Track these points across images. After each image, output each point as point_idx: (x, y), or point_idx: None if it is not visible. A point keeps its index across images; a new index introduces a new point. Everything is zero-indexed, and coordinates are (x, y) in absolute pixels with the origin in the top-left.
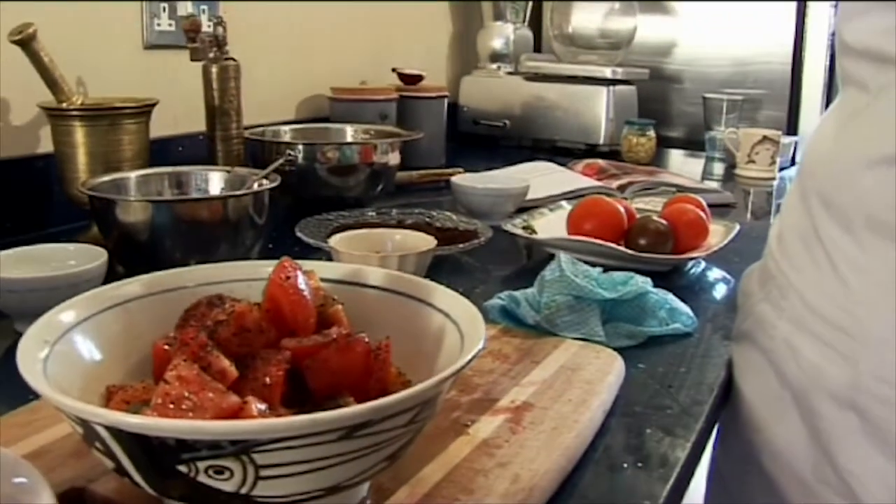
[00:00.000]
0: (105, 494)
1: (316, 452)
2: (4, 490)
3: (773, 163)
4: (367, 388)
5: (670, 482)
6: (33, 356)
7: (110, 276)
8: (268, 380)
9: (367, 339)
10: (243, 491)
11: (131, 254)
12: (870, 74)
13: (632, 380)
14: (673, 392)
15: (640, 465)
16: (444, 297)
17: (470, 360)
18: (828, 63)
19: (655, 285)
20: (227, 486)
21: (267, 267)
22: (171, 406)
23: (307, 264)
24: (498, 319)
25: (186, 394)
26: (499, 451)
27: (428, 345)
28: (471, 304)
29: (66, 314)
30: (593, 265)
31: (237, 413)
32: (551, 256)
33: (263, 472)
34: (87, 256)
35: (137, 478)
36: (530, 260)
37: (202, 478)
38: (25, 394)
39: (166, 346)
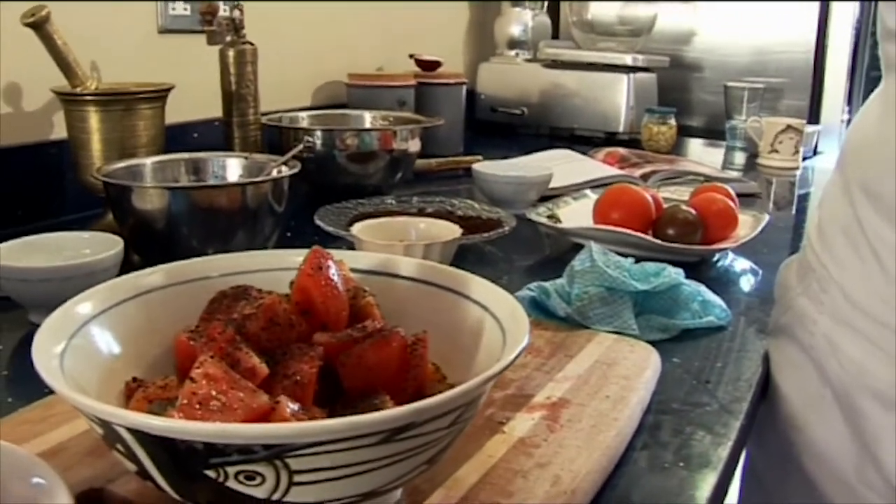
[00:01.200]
0: (125, 496)
1: (355, 457)
2: (21, 491)
3: (797, 152)
4: (404, 385)
5: (714, 483)
6: (49, 351)
7: (125, 264)
8: (299, 377)
9: (403, 334)
10: (275, 497)
11: (147, 242)
12: None
13: (667, 375)
14: (711, 388)
15: (681, 464)
16: (481, 288)
17: (517, 356)
18: (851, 51)
19: (685, 276)
20: (258, 493)
21: (295, 256)
22: (198, 406)
23: (335, 254)
24: (528, 311)
25: (214, 393)
26: (537, 451)
27: (465, 339)
28: (510, 297)
29: (83, 306)
30: (621, 255)
31: (268, 414)
32: (574, 246)
33: (298, 478)
34: (102, 245)
35: (161, 482)
36: (552, 250)
37: (231, 483)
38: (40, 388)
39: (191, 341)
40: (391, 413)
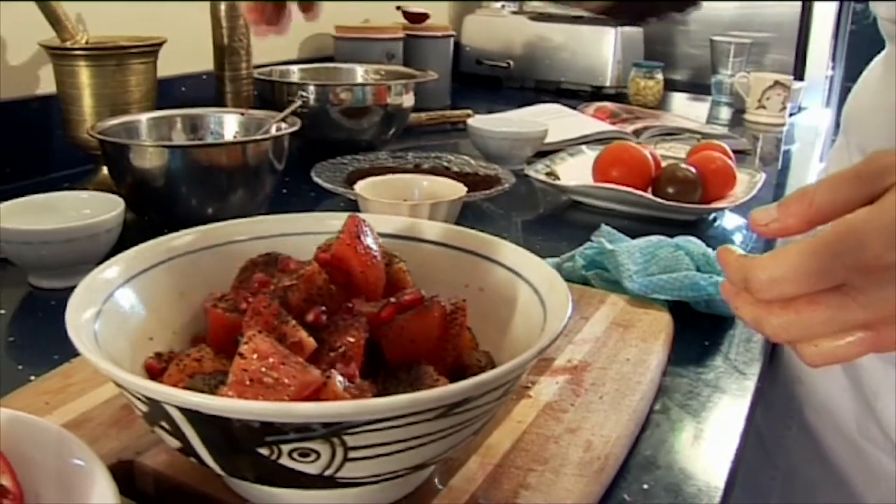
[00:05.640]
0: (156, 468)
1: (411, 432)
2: (58, 472)
3: (784, 108)
4: (443, 354)
5: (736, 445)
6: (83, 324)
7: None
8: (346, 350)
9: (443, 303)
10: (328, 473)
11: (145, 201)
12: None
13: (679, 336)
14: (723, 350)
15: (702, 427)
16: (512, 253)
17: (565, 325)
18: (837, 6)
19: (682, 234)
20: (311, 469)
21: (327, 220)
22: (249, 383)
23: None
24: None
25: (265, 369)
26: (565, 416)
27: (497, 306)
28: (543, 262)
29: (110, 273)
30: (619, 213)
31: (320, 389)
32: (573, 203)
33: (353, 454)
34: (102, 205)
35: (208, 459)
36: (550, 206)
37: (284, 460)
38: (50, 353)
39: (226, 313)
40: (453, 388)
